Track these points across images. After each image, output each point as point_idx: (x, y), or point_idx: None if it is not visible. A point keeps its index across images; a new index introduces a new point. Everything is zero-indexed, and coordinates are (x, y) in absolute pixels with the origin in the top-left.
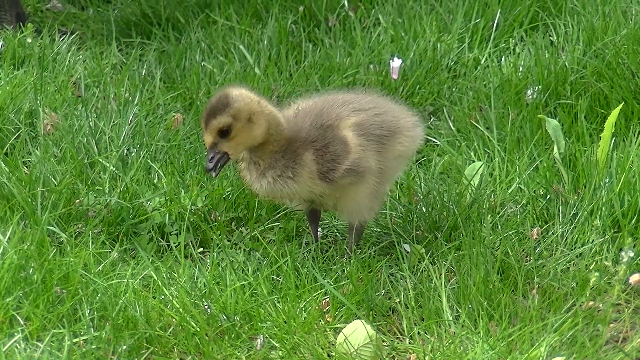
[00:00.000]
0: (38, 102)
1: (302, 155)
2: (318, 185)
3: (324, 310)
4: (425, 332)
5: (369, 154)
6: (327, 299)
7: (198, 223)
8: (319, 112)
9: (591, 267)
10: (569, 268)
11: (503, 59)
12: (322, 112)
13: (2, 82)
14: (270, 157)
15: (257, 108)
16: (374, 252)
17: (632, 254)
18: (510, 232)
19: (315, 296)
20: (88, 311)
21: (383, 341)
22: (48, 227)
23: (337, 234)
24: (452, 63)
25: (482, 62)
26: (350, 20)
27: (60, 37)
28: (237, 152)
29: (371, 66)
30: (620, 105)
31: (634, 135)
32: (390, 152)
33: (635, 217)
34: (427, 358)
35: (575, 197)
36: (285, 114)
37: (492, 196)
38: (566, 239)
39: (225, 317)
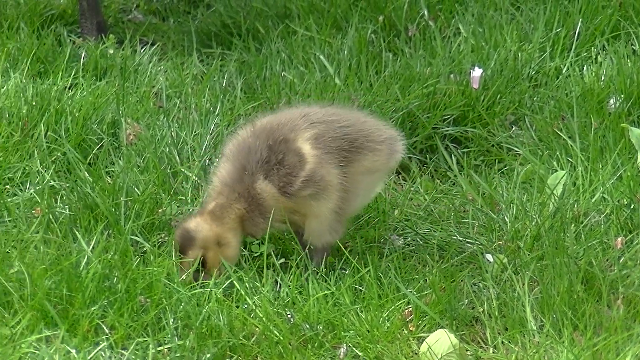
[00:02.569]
0: (120, 112)
1: (257, 189)
2: (284, 203)
3: (407, 319)
4: (509, 342)
5: (329, 167)
6: (410, 309)
7: (279, 233)
8: (273, 128)
9: None
10: None
11: (585, 68)
12: (277, 127)
13: (85, 93)
14: (253, 225)
15: (219, 229)
16: (456, 261)
17: None
18: (593, 242)
19: (398, 305)
20: (172, 320)
21: (466, 350)
22: (131, 236)
23: (419, 241)
24: (533, 72)
25: (564, 71)
26: (430, 30)
27: (142, 47)
28: (230, 263)
29: (451, 76)
30: None
31: None
32: (356, 167)
33: None
34: None
35: None
36: (240, 136)
37: (575, 205)
38: None
39: (308, 326)
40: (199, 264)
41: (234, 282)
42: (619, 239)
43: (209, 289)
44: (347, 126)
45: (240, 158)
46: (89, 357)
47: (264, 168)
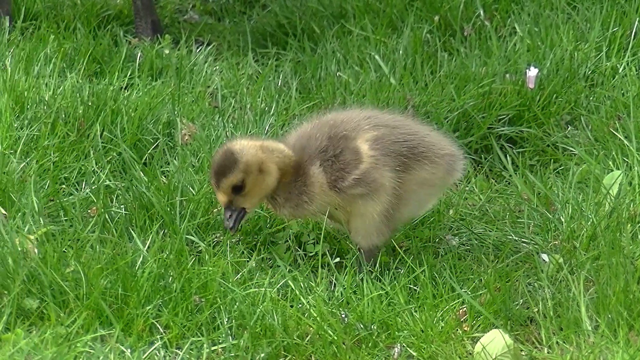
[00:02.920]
0: (176, 112)
1: (310, 171)
2: (330, 197)
3: (461, 319)
4: (564, 342)
5: (384, 169)
6: (465, 308)
7: (334, 232)
8: (336, 124)
9: None
10: None
11: None
12: (340, 123)
13: (141, 93)
14: (284, 190)
15: (264, 156)
16: (512, 261)
17: None
18: None
19: (452, 305)
20: (226, 319)
21: (521, 350)
22: (186, 236)
23: (474, 241)
24: (589, 72)
25: (620, 70)
26: (485, 30)
27: (197, 48)
28: (254, 204)
29: (507, 75)
30: None
31: None
32: (412, 175)
33: None
34: None
35: None
36: (301, 130)
37: (632, 205)
38: None
39: (362, 326)
40: (235, 189)
41: (289, 281)
42: None
43: (263, 289)
44: (409, 133)
45: (302, 141)
46: (143, 357)
47: (320, 157)
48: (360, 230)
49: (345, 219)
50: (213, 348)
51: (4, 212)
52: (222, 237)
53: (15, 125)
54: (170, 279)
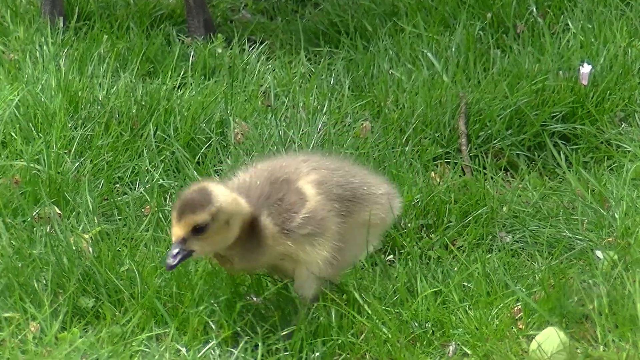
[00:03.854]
0: (228, 111)
1: (261, 223)
2: (281, 244)
3: (516, 317)
4: (620, 340)
5: (330, 214)
6: (519, 306)
7: (387, 230)
8: (274, 169)
9: None
10: None
11: None
12: (279, 168)
13: (194, 92)
14: (237, 245)
15: (236, 210)
16: (566, 258)
17: None
18: None
19: (507, 303)
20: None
21: (576, 348)
22: None
23: (528, 238)
24: None
25: None
26: (538, 26)
27: (250, 46)
28: (205, 252)
29: (560, 72)
30: None
31: None
32: (355, 217)
33: None
34: None
35: None
36: (240, 179)
37: None
38: None
39: (416, 324)
40: (196, 229)
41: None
42: None
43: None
44: (349, 176)
45: (242, 194)
46: (198, 356)
47: (266, 204)
48: (304, 280)
49: (291, 268)
50: (268, 347)
51: (58, 211)
52: None
53: (70, 125)
54: (223, 277)
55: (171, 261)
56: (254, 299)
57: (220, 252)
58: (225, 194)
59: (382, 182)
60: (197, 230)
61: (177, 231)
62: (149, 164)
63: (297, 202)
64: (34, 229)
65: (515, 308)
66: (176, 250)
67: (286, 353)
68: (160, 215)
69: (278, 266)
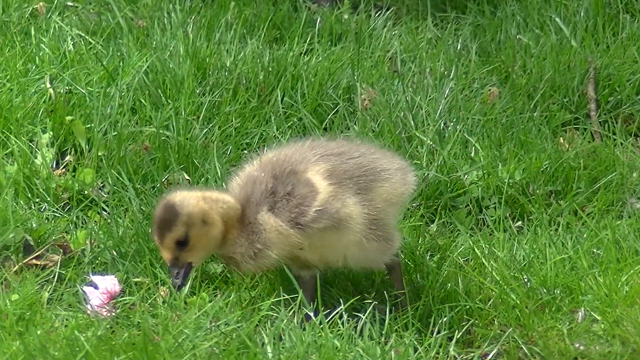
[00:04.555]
0: (355, 77)
1: (258, 219)
2: (292, 237)
3: None
4: None
5: (345, 197)
6: None
7: (515, 196)
8: (279, 161)
9: None
10: None
11: None
12: (284, 159)
13: (320, 59)
14: (236, 244)
15: (207, 207)
16: None
17: None
18: None
19: (637, 269)
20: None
21: None
22: None
23: None
24: None
25: None
26: None
27: (376, 12)
28: (201, 258)
29: None
30: None
31: None
32: (374, 195)
33: None
34: None
35: None
36: (244, 175)
37: None
38: None
39: (545, 290)
40: (178, 243)
41: (471, 246)
42: None
43: (447, 253)
44: (357, 156)
45: (246, 189)
46: (326, 321)
47: (268, 201)
48: (358, 259)
49: (315, 258)
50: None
51: (187, 177)
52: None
53: (198, 91)
54: None
55: (177, 282)
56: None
57: (224, 253)
58: (189, 197)
59: (394, 158)
60: (181, 244)
61: (165, 254)
62: (277, 130)
63: (308, 195)
64: (163, 194)
65: None
66: (175, 271)
67: (414, 319)
68: None
69: (299, 258)
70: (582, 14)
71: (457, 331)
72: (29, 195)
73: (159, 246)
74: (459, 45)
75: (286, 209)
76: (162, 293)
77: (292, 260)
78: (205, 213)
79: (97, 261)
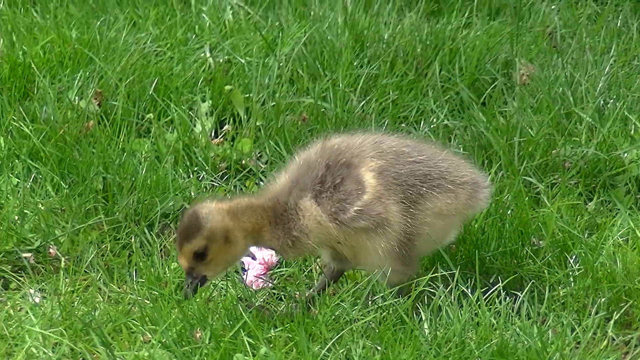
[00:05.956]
0: (514, 52)
1: (300, 205)
2: (329, 230)
3: None
4: None
5: (389, 202)
6: None
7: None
8: (339, 149)
9: None
10: None
11: None
12: (344, 149)
13: (479, 33)
14: (273, 239)
15: (231, 224)
16: None
17: None
18: None
19: None
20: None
21: None
22: (525, 177)
23: None
24: None
25: None
26: None
27: None
28: (217, 273)
29: None
30: None
31: None
32: (424, 206)
33: None
34: None
35: None
36: (304, 156)
37: None
38: None
39: None
40: (196, 255)
41: (631, 225)
42: None
43: (606, 232)
44: (419, 160)
45: (300, 170)
46: (483, 298)
47: (315, 189)
48: (375, 267)
49: (350, 254)
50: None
51: None
52: (559, 179)
53: (355, 63)
54: (508, 220)
55: (187, 292)
56: (540, 242)
57: (264, 245)
58: (215, 212)
59: (467, 170)
60: (199, 256)
61: (183, 262)
62: (434, 103)
63: (353, 193)
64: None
65: None
66: (189, 280)
67: (572, 298)
68: None
69: (336, 250)
70: None
71: (615, 312)
72: (188, 163)
73: (178, 253)
74: (619, 21)
75: (330, 201)
76: (317, 265)
77: (330, 248)
78: (229, 231)
79: None
